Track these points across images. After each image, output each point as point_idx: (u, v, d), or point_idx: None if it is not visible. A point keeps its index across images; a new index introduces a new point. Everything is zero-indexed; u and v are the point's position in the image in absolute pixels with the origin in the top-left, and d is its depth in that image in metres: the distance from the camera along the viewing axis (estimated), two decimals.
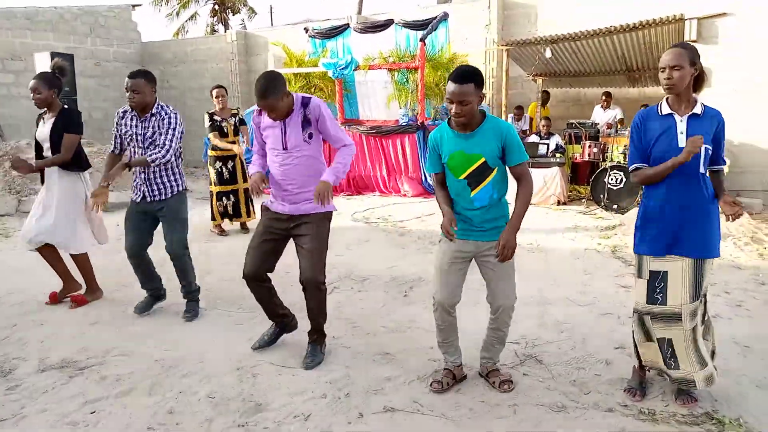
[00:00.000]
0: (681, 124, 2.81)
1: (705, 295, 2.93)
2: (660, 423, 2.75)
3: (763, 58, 8.09)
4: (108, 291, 4.88)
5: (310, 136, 3.40)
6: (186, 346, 3.80)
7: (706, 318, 2.99)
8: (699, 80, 2.85)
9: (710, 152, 2.80)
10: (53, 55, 10.88)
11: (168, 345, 3.82)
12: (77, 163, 4.47)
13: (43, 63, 9.80)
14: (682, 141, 2.78)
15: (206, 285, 4.88)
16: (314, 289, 3.40)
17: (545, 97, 11.29)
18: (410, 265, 5.61)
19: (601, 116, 10.26)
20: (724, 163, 2.93)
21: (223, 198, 7.19)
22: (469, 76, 2.79)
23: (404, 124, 10.13)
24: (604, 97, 10.40)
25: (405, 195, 10.00)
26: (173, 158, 4.16)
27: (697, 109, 2.82)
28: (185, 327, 4.14)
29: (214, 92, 7.03)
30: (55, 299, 4.66)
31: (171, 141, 4.06)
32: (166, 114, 4.09)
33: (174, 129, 4.07)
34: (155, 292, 4.45)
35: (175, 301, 4.44)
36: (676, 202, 2.82)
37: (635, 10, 9.27)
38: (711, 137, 2.79)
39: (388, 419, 2.85)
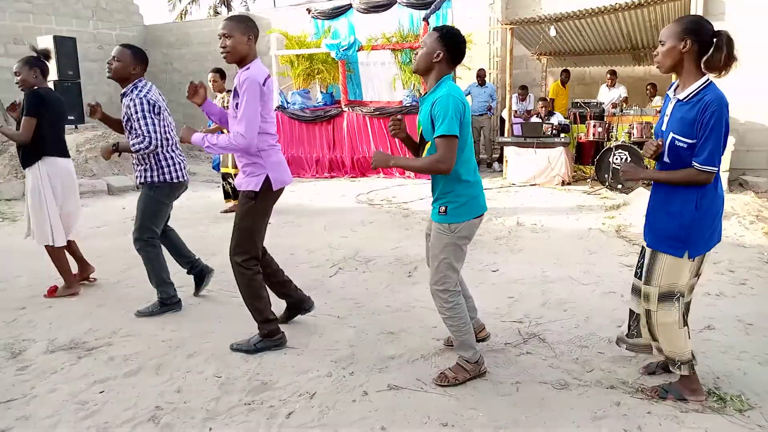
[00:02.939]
0: (670, 106, 2.67)
1: (674, 296, 2.68)
2: (662, 400, 2.77)
3: None
4: (113, 273, 4.94)
5: (238, 106, 3.19)
6: (192, 326, 3.84)
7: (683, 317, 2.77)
8: (712, 57, 2.49)
9: (678, 142, 2.55)
10: (56, 38, 10.86)
11: (174, 325, 3.86)
12: (34, 150, 4.28)
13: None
14: (665, 124, 2.66)
15: (211, 266, 4.91)
16: (232, 267, 3.37)
17: (565, 76, 11.19)
18: (414, 245, 5.63)
19: (606, 95, 10.19)
20: (708, 163, 2.48)
21: (227, 179, 7.35)
22: (439, 27, 2.87)
23: (408, 104, 10.09)
24: (609, 76, 10.32)
25: (409, 176, 9.99)
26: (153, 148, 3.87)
27: (685, 93, 2.56)
28: (191, 308, 4.18)
29: (209, 76, 7.09)
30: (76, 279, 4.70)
31: (147, 127, 3.78)
32: (136, 96, 3.82)
33: (144, 114, 3.78)
34: (190, 270, 4.38)
35: (183, 283, 4.47)
36: (653, 186, 2.79)
37: None
38: (689, 126, 2.52)
39: (392, 397, 2.88)
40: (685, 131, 2.54)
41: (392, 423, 2.66)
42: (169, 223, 4.36)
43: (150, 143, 3.80)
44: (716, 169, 2.51)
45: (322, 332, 3.69)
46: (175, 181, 4.00)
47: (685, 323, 2.74)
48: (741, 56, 2.57)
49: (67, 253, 4.58)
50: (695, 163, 2.51)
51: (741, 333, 3.52)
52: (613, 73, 10.35)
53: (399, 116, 2.95)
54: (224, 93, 7.12)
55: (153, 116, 3.83)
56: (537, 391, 2.90)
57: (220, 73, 7.14)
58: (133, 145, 3.81)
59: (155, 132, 3.82)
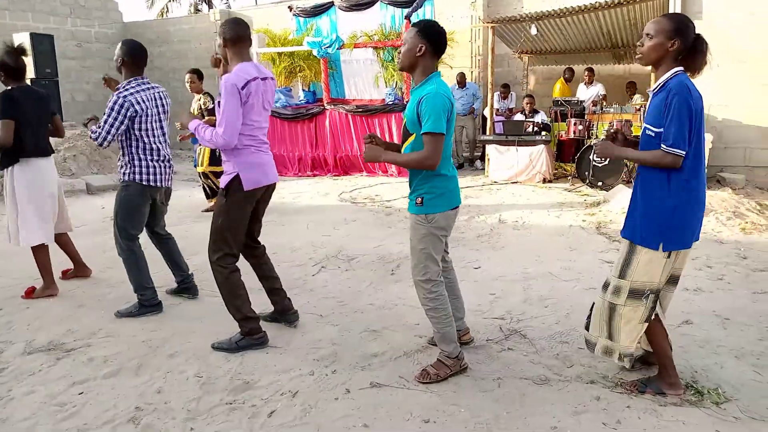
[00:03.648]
0: (649, 101, 2.77)
1: (643, 294, 2.72)
2: (641, 394, 2.80)
3: (745, 33, 8.12)
4: (93, 273, 4.88)
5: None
6: (172, 326, 3.81)
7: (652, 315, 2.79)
8: (693, 59, 2.62)
9: (648, 131, 2.65)
10: (33, 36, 10.69)
11: (154, 325, 3.82)
12: (10, 152, 4.19)
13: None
14: (643, 117, 2.76)
15: (192, 266, 4.87)
16: (210, 265, 3.41)
17: (570, 74, 11.17)
18: (397, 243, 5.63)
19: (584, 93, 10.26)
20: (674, 146, 2.53)
21: (207, 177, 7.34)
22: (417, 23, 2.90)
23: (390, 102, 10.09)
24: (586, 73, 10.39)
25: (392, 174, 9.99)
26: (131, 147, 3.88)
27: (655, 84, 2.66)
28: (172, 307, 4.14)
29: (186, 77, 7.12)
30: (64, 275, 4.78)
31: (108, 120, 3.72)
32: (117, 93, 3.78)
33: (112, 112, 3.72)
34: (180, 283, 4.36)
35: (164, 283, 4.43)
36: (635, 179, 2.82)
37: None
38: (655, 114, 2.61)
39: (375, 394, 2.88)
40: (653, 120, 2.63)
41: (374, 420, 2.67)
42: (167, 229, 4.36)
43: (98, 137, 3.74)
44: (682, 153, 2.54)
45: (304, 331, 3.69)
46: (145, 183, 3.92)
47: (648, 320, 2.75)
48: (718, 55, 2.62)
49: (63, 252, 4.71)
50: (663, 146, 2.57)
51: (718, 327, 3.58)
52: (590, 70, 10.41)
53: (374, 134, 3.01)
54: (202, 94, 7.07)
55: (120, 117, 3.74)
56: (518, 386, 2.93)
57: (198, 74, 7.09)
58: (92, 130, 3.80)
59: (112, 129, 3.74)
